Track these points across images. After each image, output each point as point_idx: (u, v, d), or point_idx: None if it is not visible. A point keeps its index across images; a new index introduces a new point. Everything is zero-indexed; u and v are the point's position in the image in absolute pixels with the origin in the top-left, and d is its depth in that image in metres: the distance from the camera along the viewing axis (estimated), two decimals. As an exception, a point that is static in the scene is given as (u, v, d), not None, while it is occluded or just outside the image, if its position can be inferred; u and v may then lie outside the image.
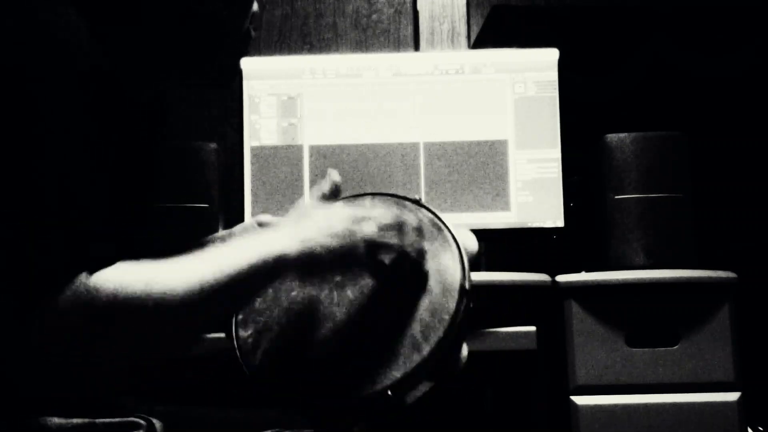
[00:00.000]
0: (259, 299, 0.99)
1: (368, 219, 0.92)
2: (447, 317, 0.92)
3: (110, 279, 0.78)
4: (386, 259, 0.93)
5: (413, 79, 1.88)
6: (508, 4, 2.21)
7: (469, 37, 2.24)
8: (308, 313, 0.98)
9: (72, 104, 0.82)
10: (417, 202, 1.03)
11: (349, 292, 0.98)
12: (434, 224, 1.01)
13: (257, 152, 1.86)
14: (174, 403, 1.01)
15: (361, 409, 0.91)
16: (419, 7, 2.25)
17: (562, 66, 1.87)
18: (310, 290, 0.99)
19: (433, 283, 0.95)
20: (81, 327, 0.77)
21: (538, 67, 1.88)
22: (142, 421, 0.91)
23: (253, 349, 0.96)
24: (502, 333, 1.64)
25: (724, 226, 2.11)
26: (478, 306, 0.95)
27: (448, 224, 1.00)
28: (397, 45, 2.28)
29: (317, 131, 1.87)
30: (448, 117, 1.87)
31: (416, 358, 0.90)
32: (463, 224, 0.99)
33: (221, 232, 1.13)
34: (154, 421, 0.91)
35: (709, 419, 1.66)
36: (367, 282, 0.98)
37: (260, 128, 1.87)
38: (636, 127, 1.84)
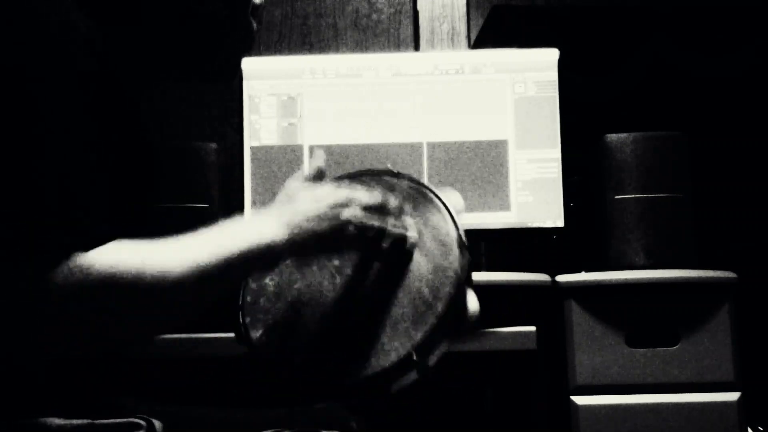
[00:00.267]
0: (263, 298, 1.00)
1: (352, 199, 0.94)
2: (452, 273, 0.94)
3: (105, 256, 0.79)
4: (376, 236, 0.95)
5: (413, 79, 1.88)
6: (508, 4, 2.20)
7: (469, 37, 2.24)
8: (315, 303, 0.99)
9: (72, 104, 0.82)
10: (397, 174, 1.05)
11: (349, 273, 0.99)
12: (418, 191, 1.03)
13: (257, 152, 1.86)
14: (174, 403, 1.01)
15: (392, 376, 0.91)
16: (419, 7, 2.25)
17: (562, 66, 1.87)
18: (311, 279, 1.00)
19: (430, 245, 0.97)
20: (75, 303, 0.77)
21: (538, 67, 1.88)
22: (142, 422, 0.91)
23: (268, 344, 0.97)
24: (502, 333, 1.64)
25: (724, 226, 2.10)
26: (481, 306, 0.96)
27: (431, 188, 1.03)
28: (397, 45, 2.28)
29: (317, 131, 1.87)
30: (448, 117, 1.87)
31: (431, 319, 0.92)
32: (463, 224, 1.00)
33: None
34: (154, 421, 0.92)
35: (709, 419, 1.66)
36: (364, 262, 0.99)
37: (260, 128, 1.87)
38: (636, 127, 1.84)
